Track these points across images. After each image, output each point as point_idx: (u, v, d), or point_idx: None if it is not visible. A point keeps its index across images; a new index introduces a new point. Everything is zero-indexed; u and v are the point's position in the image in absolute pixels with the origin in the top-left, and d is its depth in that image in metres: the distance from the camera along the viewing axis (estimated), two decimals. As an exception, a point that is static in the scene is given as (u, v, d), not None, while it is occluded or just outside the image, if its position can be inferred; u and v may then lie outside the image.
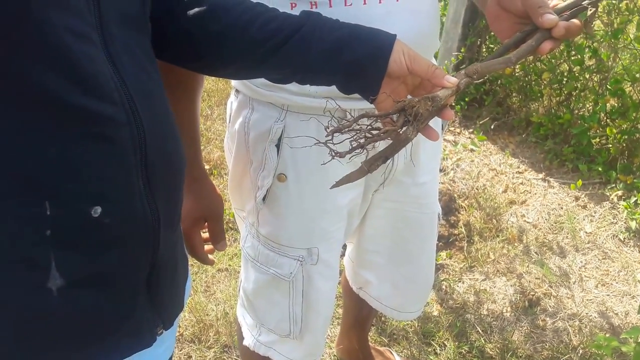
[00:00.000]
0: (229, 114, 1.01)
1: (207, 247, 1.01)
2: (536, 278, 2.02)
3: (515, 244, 2.18)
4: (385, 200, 1.11)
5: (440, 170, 2.59)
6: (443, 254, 2.11)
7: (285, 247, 1.00)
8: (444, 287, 1.97)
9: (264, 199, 0.96)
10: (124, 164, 0.55)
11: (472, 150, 2.79)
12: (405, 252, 1.20)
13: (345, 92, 0.71)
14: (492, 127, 2.89)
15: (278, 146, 0.93)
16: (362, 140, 0.58)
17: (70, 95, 0.50)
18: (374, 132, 0.58)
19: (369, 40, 0.67)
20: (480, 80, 3.10)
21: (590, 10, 0.77)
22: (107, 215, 0.55)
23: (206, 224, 0.99)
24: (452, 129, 2.98)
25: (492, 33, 3.03)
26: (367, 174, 0.66)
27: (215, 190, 0.99)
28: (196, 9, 0.68)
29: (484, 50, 3.06)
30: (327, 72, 0.68)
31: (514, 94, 3.00)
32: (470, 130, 2.95)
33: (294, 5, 0.82)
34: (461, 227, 2.24)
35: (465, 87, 0.67)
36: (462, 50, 2.96)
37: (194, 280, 1.90)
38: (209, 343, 1.66)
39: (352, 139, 0.59)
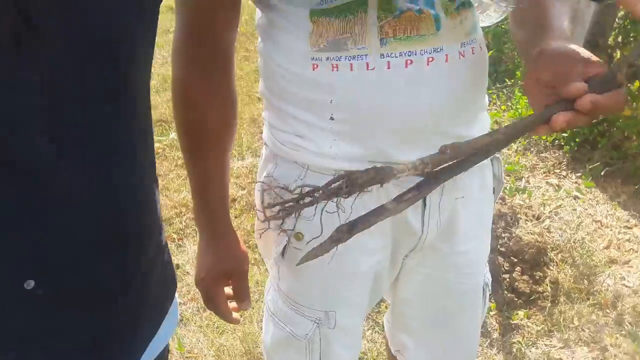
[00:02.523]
0: (259, 164, 1.03)
1: (232, 305, 1.02)
2: (625, 353, 1.80)
3: (607, 311, 1.97)
4: (421, 266, 1.06)
5: (535, 218, 2.42)
6: (521, 313, 1.96)
7: (303, 306, 0.99)
8: (514, 350, 1.83)
9: (282, 254, 0.96)
10: (56, 239, 0.57)
11: (576, 197, 2.57)
12: (443, 322, 1.13)
13: None
14: (603, 173, 2.64)
15: None
16: (290, 209, 0.57)
17: None
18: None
19: None
20: (595, 121, 2.85)
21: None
22: (41, 287, 0.57)
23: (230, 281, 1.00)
24: (557, 171, 2.76)
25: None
26: (336, 245, 0.61)
27: (240, 246, 1.00)
28: None
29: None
30: None
31: (633, 138, 2.72)
32: (578, 174, 2.72)
33: (315, 66, 0.82)
34: (547, 285, 2.07)
35: (437, 165, 0.60)
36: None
37: (252, 308, 1.94)
38: (254, 377, 1.69)
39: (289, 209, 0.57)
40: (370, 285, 1.01)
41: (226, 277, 1.00)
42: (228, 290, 1.03)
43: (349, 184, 0.56)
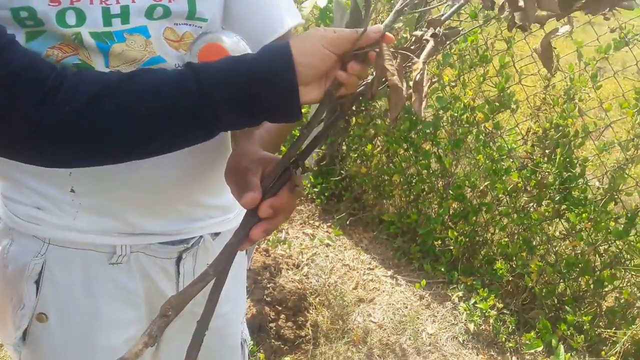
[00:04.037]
0: None
1: None
2: (376, 383, 2.02)
3: (360, 346, 2.19)
4: (180, 332, 1.03)
5: (295, 266, 2.59)
6: (287, 359, 2.06)
7: None
8: (284, 395, 1.91)
9: (23, 339, 0.88)
10: None
11: (328, 244, 2.83)
12: None
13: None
14: (348, 222, 2.97)
15: (38, 282, 0.86)
16: None
17: None
18: None
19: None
20: (338, 177, 3.23)
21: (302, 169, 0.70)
22: None
23: None
24: (311, 222, 3.02)
25: (352, 132, 3.19)
26: None
27: None
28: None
29: (344, 147, 3.19)
30: None
31: (370, 191, 3.13)
32: (329, 224, 3.01)
33: None
34: (308, 328, 2.22)
35: (165, 328, 0.63)
36: (323, 147, 3.07)
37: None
38: None
39: None
40: None
41: None
42: None
43: None
